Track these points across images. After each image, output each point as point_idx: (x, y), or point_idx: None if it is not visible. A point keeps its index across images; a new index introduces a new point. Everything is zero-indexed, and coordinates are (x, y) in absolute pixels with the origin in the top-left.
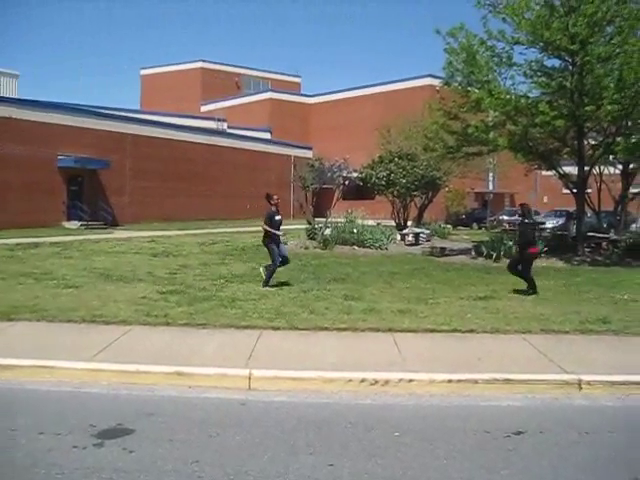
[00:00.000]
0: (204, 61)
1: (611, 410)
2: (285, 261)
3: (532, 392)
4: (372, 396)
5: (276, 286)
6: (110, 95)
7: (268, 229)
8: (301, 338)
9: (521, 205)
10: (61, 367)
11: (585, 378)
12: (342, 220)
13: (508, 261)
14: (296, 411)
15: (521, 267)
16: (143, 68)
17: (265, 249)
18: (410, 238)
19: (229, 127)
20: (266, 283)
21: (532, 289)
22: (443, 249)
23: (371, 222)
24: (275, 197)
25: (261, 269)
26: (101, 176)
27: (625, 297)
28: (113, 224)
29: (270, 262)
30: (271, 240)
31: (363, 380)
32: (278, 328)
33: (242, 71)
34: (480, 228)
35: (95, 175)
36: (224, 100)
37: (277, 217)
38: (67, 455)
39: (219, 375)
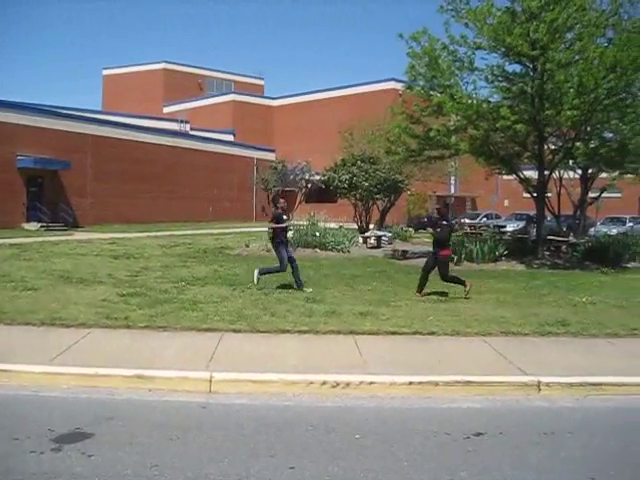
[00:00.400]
0: (167, 62)
1: (569, 411)
2: (292, 261)
3: (492, 394)
4: (333, 398)
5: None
6: (72, 96)
7: (275, 226)
8: (262, 341)
9: (437, 209)
10: (19, 371)
11: (544, 380)
12: (304, 223)
13: (421, 269)
14: (257, 414)
15: (439, 272)
16: (105, 68)
17: (273, 253)
18: (372, 241)
19: (192, 129)
20: (261, 274)
21: (462, 284)
22: (405, 252)
23: (333, 225)
24: (282, 201)
25: (255, 272)
26: (62, 177)
27: (583, 300)
28: (74, 226)
29: (277, 264)
30: (280, 241)
31: (324, 382)
32: (239, 331)
33: (205, 72)
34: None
35: (56, 176)
36: (187, 101)
37: (284, 217)
38: (24, 460)
39: (180, 378)
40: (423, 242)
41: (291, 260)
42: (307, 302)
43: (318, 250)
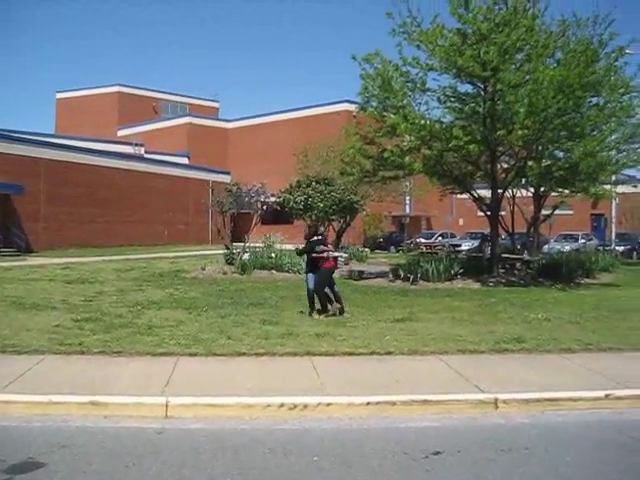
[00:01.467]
0: (121, 85)
1: (527, 427)
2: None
3: (449, 412)
4: (291, 421)
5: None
6: (25, 121)
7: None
8: (219, 364)
9: (309, 226)
10: None
11: (501, 397)
12: (260, 245)
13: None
14: (214, 438)
15: (315, 280)
16: (59, 92)
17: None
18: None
19: (147, 152)
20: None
21: (324, 309)
22: (361, 272)
23: (289, 246)
24: (322, 229)
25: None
26: (14, 201)
27: (538, 316)
28: (27, 251)
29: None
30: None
31: (282, 405)
32: (195, 354)
33: (160, 95)
34: (398, 251)
35: (8, 200)
36: (142, 124)
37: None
38: None
39: (135, 404)
40: (379, 262)
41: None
42: (264, 324)
43: (274, 272)
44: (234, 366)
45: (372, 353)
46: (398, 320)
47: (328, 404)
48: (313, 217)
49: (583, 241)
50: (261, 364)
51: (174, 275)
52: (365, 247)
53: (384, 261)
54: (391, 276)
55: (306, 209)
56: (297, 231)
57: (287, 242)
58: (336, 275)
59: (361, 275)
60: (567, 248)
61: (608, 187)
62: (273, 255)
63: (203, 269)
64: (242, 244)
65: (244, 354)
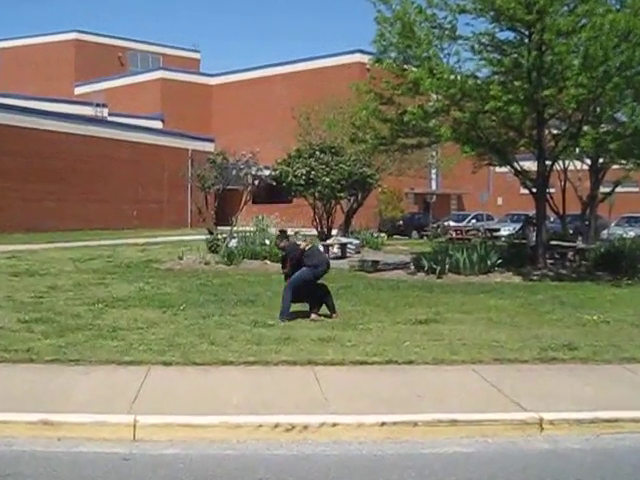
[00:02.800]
0: (79, 32)
1: (578, 454)
2: None
3: (484, 435)
4: (288, 445)
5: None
6: None
7: None
8: (199, 375)
9: (281, 231)
10: None
11: (547, 417)
12: (251, 229)
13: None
14: (193, 466)
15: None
16: (1, 40)
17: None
18: (335, 250)
19: (111, 114)
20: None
21: (281, 312)
22: (375, 263)
23: (288, 231)
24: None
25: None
26: None
27: (595, 318)
28: None
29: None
30: None
31: (277, 425)
32: (170, 363)
33: (127, 44)
34: (421, 237)
35: None
36: (104, 80)
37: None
38: None
39: (96, 423)
40: (398, 250)
41: None
42: (255, 326)
43: (268, 262)
44: (218, 377)
45: (388, 362)
46: (421, 322)
47: (334, 424)
48: (317, 194)
49: None
50: (252, 375)
51: (145, 266)
52: (381, 232)
53: (404, 249)
54: (413, 267)
55: (308, 184)
56: (297, 212)
57: (284, 225)
58: (345, 266)
59: (376, 266)
60: (631, 234)
61: None
62: (267, 241)
63: (180, 258)
64: (229, 228)
65: (231, 363)
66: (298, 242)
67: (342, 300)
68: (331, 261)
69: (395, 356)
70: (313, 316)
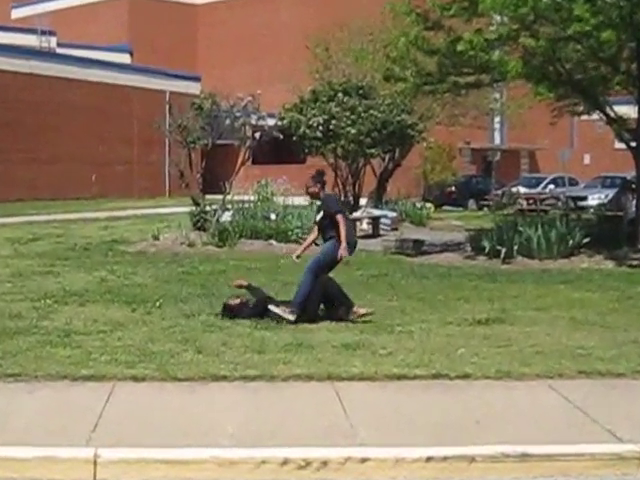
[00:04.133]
0: None
1: None
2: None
3: (565, 474)
4: None
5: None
6: None
7: None
8: (182, 395)
9: (318, 172)
10: None
11: None
12: (251, 198)
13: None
14: None
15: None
16: None
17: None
18: (365, 226)
19: (60, 45)
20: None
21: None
22: (419, 243)
23: (300, 201)
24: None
25: None
26: None
27: None
28: None
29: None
30: None
31: (286, 461)
32: (143, 378)
33: None
34: (480, 208)
35: None
36: (51, 0)
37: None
38: None
39: (44, 459)
40: (449, 226)
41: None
42: (256, 329)
43: (274, 242)
44: (207, 397)
45: (436, 376)
46: (480, 322)
47: (363, 460)
48: (340, 151)
49: None
50: (252, 394)
51: (108, 248)
52: (426, 201)
53: (457, 224)
54: (469, 249)
55: (327, 138)
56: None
57: (295, 193)
58: (377, 247)
59: (419, 247)
60: None
61: None
62: (272, 215)
63: (156, 238)
64: (220, 197)
65: (224, 378)
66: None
67: (374, 293)
68: (359, 240)
69: (445, 368)
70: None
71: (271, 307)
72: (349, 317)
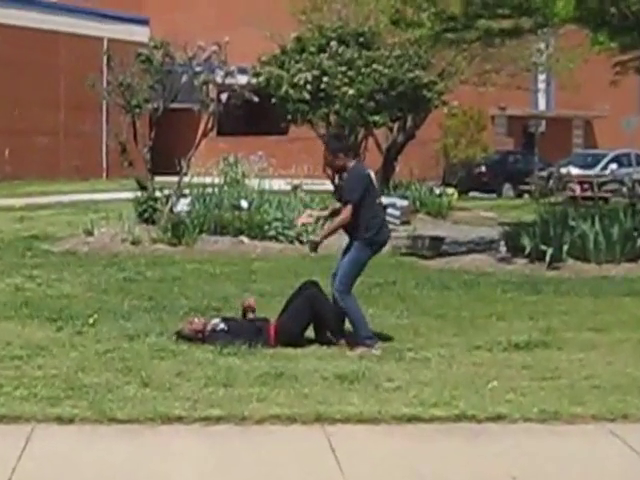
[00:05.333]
0: None
1: None
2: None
3: None
4: None
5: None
6: None
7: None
8: (123, 442)
9: (335, 136)
10: None
11: None
12: (216, 180)
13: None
14: None
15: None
16: None
17: None
18: None
19: None
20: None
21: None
22: (438, 242)
23: (281, 184)
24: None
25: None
26: None
27: None
28: None
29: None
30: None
31: None
32: (71, 420)
33: None
34: (519, 195)
35: None
36: None
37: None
38: None
39: None
40: (477, 219)
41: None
42: (221, 354)
43: (246, 239)
44: (156, 446)
45: (460, 418)
46: (518, 346)
47: None
48: (332, 119)
49: None
50: (216, 442)
51: (25, 247)
52: (448, 186)
53: (488, 216)
54: (504, 250)
55: (317, 101)
56: (297, 150)
57: (275, 174)
58: (385, 248)
59: (438, 247)
60: None
61: None
62: (244, 204)
63: (89, 233)
64: (175, 179)
65: (178, 419)
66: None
67: (377, 307)
68: None
69: (472, 407)
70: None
71: (329, 335)
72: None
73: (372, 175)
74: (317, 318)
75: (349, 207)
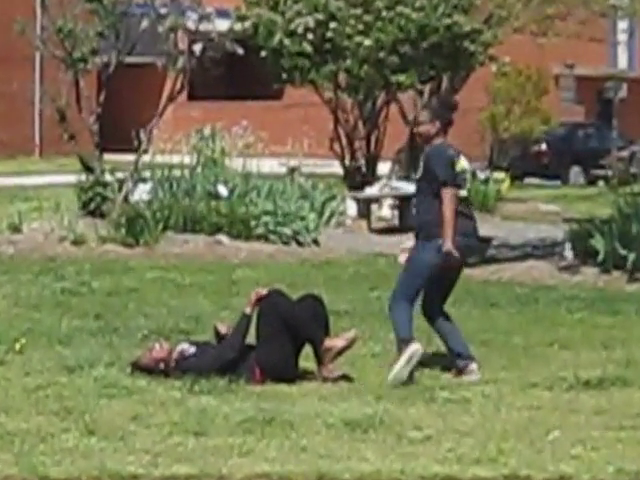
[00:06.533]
0: None
1: None
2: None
3: None
4: None
5: None
6: None
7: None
8: None
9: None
10: None
11: None
12: (186, 160)
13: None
14: None
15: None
16: None
17: None
18: (386, 211)
19: None
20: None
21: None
22: (483, 244)
23: (273, 165)
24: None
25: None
26: None
27: None
28: None
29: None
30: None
31: None
32: None
33: None
34: (592, 182)
35: None
36: None
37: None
38: None
39: None
40: (535, 213)
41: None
42: (191, 392)
43: (226, 239)
44: None
45: (510, 479)
46: (588, 384)
47: None
48: (343, 80)
49: None
50: None
51: None
52: (496, 169)
53: (550, 210)
54: (569, 254)
55: (323, 55)
56: (295, 120)
57: (266, 152)
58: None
59: (483, 251)
60: None
61: None
62: (223, 190)
63: (17, 229)
64: (132, 158)
65: (136, 479)
66: None
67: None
68: (376, 237)
69: (526, 465)
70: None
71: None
72: (320, 369)
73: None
74: (294, 330)
75: (447, 190)
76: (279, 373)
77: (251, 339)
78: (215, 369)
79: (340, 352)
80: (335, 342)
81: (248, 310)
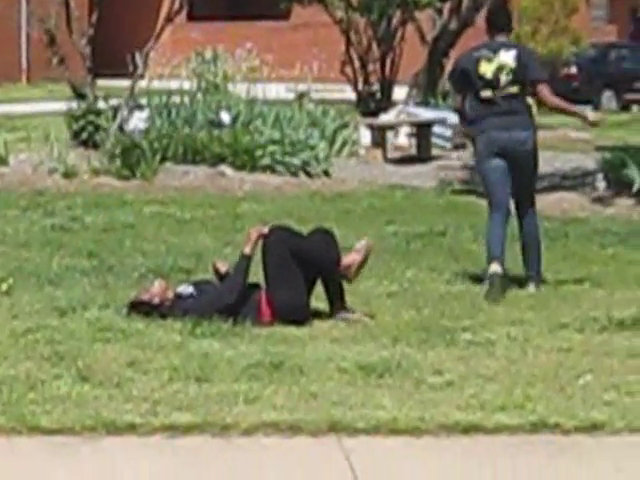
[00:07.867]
0: None
1: None
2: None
3: None
4: None
5: None
6: None
7: None
8: (52, 459)
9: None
10: None
11: None
12: (185, 85)
13: None
14: None
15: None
16: None
17: None
18: (403, 139)
19: None
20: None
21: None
22: None
23: (279, 91)
24: None
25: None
26: None
27: None
28: None
29: None
30: None
31: None
32: None
33: None
34: (627, 106)
35: None
36: None
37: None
38: None
39: None
40: (564, 141)
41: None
42: (193, 336)
43: (229, 170)
44: (98, 465)
45: (538, 427)
46: (622, 324)
47: None
48: (354, 0)
49: None
50: (186, 461)
51: None
52: None
53: (580, 137)
54: (602, 185)
55: None
56: (302, 41)
57: (272, 77)
58: (427, 181)
59: None
60: None
61: None
62: (225, 117)
63: (3, 161)
64: (127, 84)
65: (132, 429)
66: None
67: (419, 268)
68: (392, 167)
69: (555, 412)
70: (344, 314)
71: None
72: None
73: None
74: (305, 266)
75: (546, 86)
76: (293, 313)
77: (252, 278)
78: (213, 313)
79: (361, 266)
80: (353, 257)
81: (247, 250)
